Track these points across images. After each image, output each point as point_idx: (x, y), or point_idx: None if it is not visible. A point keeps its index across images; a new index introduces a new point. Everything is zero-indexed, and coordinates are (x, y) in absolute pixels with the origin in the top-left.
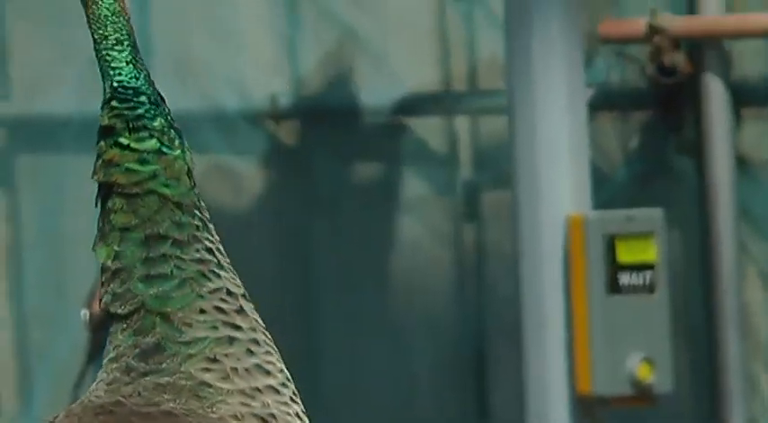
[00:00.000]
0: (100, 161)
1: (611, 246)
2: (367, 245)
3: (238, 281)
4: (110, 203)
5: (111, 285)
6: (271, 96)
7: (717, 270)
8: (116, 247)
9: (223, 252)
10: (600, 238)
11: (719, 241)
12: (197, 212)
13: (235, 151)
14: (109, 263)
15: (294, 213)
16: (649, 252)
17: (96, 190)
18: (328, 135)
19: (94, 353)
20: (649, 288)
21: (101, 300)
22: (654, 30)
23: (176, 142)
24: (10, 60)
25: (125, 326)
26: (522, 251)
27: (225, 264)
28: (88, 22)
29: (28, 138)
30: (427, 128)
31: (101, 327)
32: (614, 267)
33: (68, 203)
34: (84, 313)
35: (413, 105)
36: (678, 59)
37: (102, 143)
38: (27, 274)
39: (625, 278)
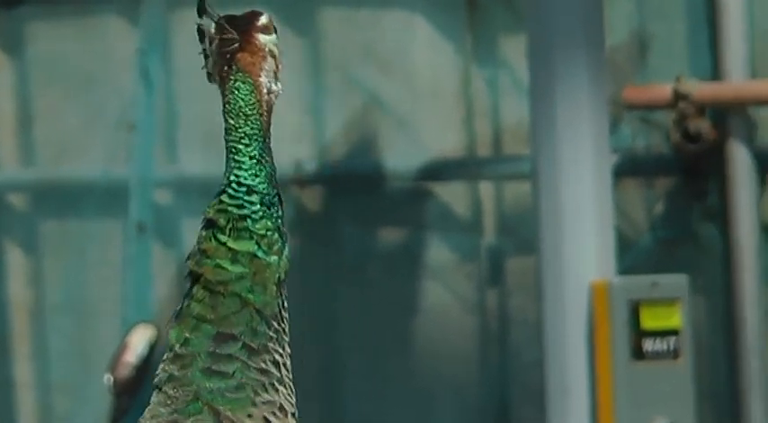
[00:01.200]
0: (197, 249)
1: (635, 312)
2: (392, 310)
3: (293, 399)
4: (194, 290)
5: (171, 366)
6: (296, 162)
7: (741, 336)
8: (187, 334)
9: (288, 367)
10: (624, 305)
11: (744, 307)
12: (275, 323)
13: None
14: (177, 346)
15: (319, 279)
16: (674, 318)
17: (186, 273)
18: (353, 201)
19: (118, 417)
20: (673, 354)
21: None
22: (679, 96)
23: (275, 247)
24: (35, 126)
25: (169, 402)
26: (547, 317)
27: (286, 379)
28: (223, 109)
29: (52, 203)
30: (452, 193)
31: (124, 391)
32: (638, 333)
33: (91, 269)
34: (108, 378)
35: (437, 171)
36: (703, 126)
37: (203, 233)
38: (50, 340)
39: (649, 344)
